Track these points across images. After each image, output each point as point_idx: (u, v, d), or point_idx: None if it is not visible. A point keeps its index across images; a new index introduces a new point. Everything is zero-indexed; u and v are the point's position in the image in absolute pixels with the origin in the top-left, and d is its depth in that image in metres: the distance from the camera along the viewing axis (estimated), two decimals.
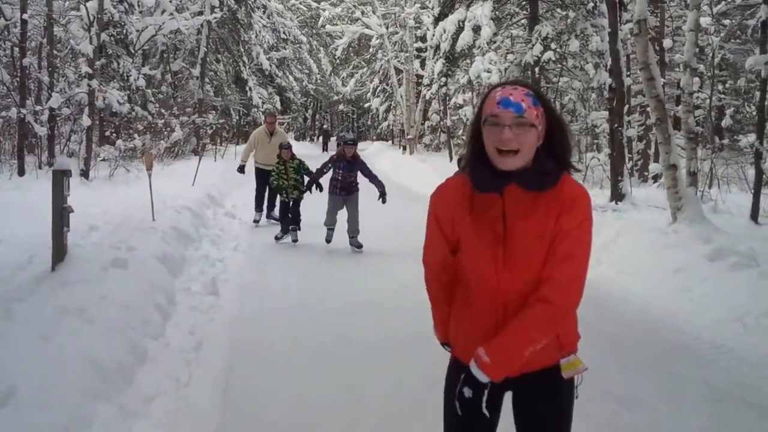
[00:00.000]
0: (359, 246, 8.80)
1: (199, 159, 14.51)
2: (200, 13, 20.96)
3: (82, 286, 5.14)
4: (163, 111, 18.42)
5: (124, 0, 16.87)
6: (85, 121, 13.75)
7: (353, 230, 8.88)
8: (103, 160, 14.52)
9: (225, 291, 6.56)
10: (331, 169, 8.81)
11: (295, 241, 9.28)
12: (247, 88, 27.32)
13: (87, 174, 13.28)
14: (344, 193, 8.80)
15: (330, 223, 8.96)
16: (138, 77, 17.59)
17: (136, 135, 16.10)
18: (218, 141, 23.84)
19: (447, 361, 2.30)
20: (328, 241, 8.96)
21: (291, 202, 9.35)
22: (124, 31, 17.16)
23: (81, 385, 3.63)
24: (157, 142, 17.08)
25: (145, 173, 9.31)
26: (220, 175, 15.06)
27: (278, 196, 9.76)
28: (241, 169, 11.76)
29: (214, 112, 22.08)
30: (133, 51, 18.29)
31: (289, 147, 9.35)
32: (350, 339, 5.24)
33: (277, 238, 9.38)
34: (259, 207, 11.21)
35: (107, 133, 16.76)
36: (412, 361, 4.64)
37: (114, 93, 15.75)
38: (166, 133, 17.69)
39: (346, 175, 8.74)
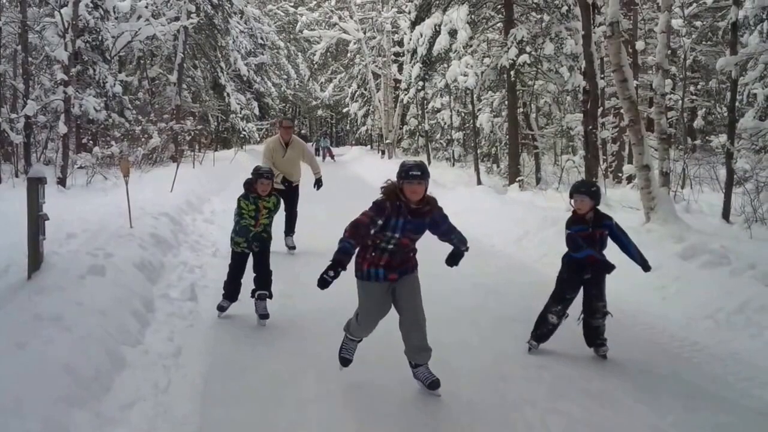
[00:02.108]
0: (435, 385, 4.35)
1: (177, 165, 14.40)
2: (177, 18, 20.85)
3: (59, 293, 5.10)
4: (140, 118, 18.31)
5: (99, 6, 16.75)
6: (62, 128, 13.65)
7: (419, 348, 4.41)
8: (80, 167, 14.41)
9: (204, 297, 6.54)
10: (378, 229, 4.22)
11: (263, 316, 5.92)
12: (225, 94, 27.23)
13: (64, 182, 13.18)
14: (396, 274, 4.36)
15: (361, 333, 4.60)
16: (114, 84, 17.46)
17: (113, 142, 15.97)
18: (196, 147, 23.72)
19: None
20: (345, 362, 4.64)
21: (255, 256, 6.14)
22: (100, 37, 17.04)
23: (57, 393, 3.62)
24: (134, 149, 16.96)
25: (123, 180, 9.23)
26: (199, 182, 14.95)
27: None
28: (285, 184, 8.99)
29: (192, 118, 21.96)
30: (109, 57, 18.15)
31: (270, 176, 6.02)
32: (330, 343, 5.23)
33: (221, 309, 6.08)
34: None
35: (84, 141, 16.62)
36: (391, 366, 4.67)
37: (90, 100, 15.64)
38: (143, 139, 17.57)
39: (408, 240, 4.33)
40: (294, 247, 9.16)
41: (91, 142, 16.51)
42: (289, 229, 9.19)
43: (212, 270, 7.76)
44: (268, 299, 6.04)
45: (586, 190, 5.03)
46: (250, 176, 6.00)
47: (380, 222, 4.12)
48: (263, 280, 6.06)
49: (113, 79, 17.58)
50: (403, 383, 4.41)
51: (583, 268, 5.05)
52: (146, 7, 18.55)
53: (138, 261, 6.78)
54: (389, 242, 4.23)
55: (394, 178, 4.22)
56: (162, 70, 23.42)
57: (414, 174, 4.11)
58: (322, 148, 36.66)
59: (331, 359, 4.67)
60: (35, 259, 5.77)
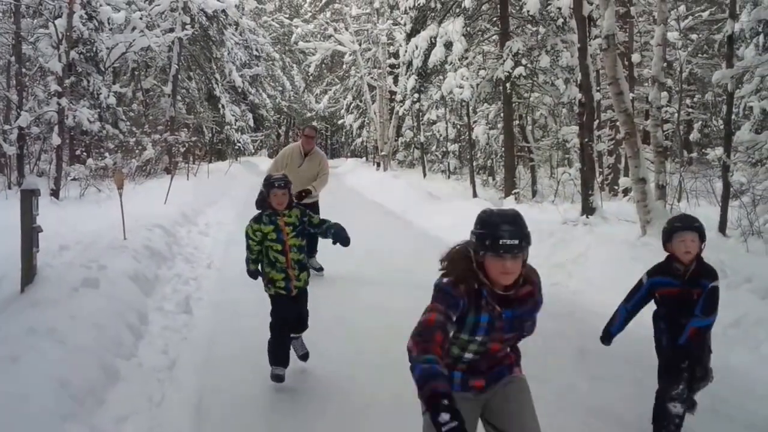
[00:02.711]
0: None
1: (171, 177, 14.38)
2: (171, 30, 20.83)
3: (52, 306, 5.07)
4: (134, 129, 18.26)
5: (93, 17, 16.72)
6: (55, 140, 13.58)
7: None
8: (74, 179, 14.33)
9: (198, 309, 6.51)
10: (458, 326, 2.56)
11: (304, 356, 5.02)
12: (220, 106, 27.18)
13: (57, 193, 13.09)
14: (490, 381, 2.70)
15: None
16: (108, 95, 17.41)
17: (107, 154, 15.90)
18: (191, 159, 23.66)
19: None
20: None
21: (295, 295, 4.82)
22: (94, 48, 16.99)
23: (50, 406, 3.59)
24: (128, 160, 16.89)
25: (116, 192, 9.19)
26: (193, 193, 14.96)
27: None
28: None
29: (186, 129, 21.90)
30: (103, 69, 18.11)
31: (285, 184, 4.75)
32: (325, 356, 5.20)
33: (278, 379, 4.60)
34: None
35: (77, 152, 16.55)
36: (386, 380, 4.63)
37: (84, 111, 15.58)
38: (137, 151, 17.51)
39: (499, 345, 2.67)
40: (321, 269, 8.30)
41: (84, 153, 16.44)
42: (311, 250, 7.96)
43: (207, 282, 7.78)
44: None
45: (691, 225, 3.70)
46: (262, 189, 4.82)
47: (455, 318, 2.47)
48: (303, 321, 4.97)
49: (107, 91, 17.53)
50: (397, 398, 4.34)
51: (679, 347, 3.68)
52: (141, 18, 18.56)
53: (132, 273, 6.75)
54: (467, 349, 2.62)
55: (468, 235, 2.57)
56: (156, 82, 23.38)
57: (506, 244, 2.43)
58: None
59: (331, 375, 4.61)
60: (28, 272, 5.74)
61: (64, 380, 3.87)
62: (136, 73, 21.91)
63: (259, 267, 4.83)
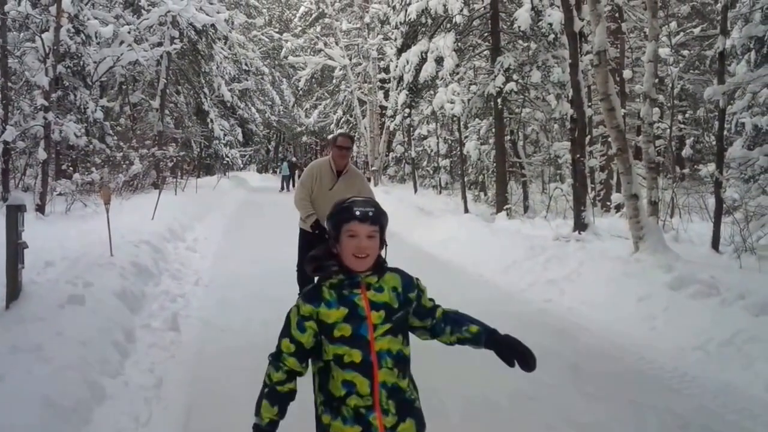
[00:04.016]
0: None
1: (159, 192, 14.24)
2: (160, 44, 20.77)
3: (38, 323, 4.98)
4: (121, 144, 18.07)
5: (81, 31, 16.57)
6: (41, 154, 13.40)
7: None
8: (60, 194, 14.14)
9: (186, 327, 6.42)
10: None
11: None
12: (209, 120, 27.10)
13: (43, 209, 12.89)
14: None
15: None
16: (96, 109, 17.23)
17: (93, 168, 15.72)
18: (179, 174, 23.49)
19: None
20: None
21: None
22: (81, 62, 16.83)
23: (36, 425, 3.54)
24: (115, 175, 16.70)
25: (103, 207, 9.07)
26: (181, 209, 14.86)
27: None
28: (316, 227, 6.18)
29: (174, 144, 21.76)
30: (90, 83, 17.95)
31: (379, 217, 2.32)
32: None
33: None
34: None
35: (64, 167, 16.35)
36: None
37: (71, 125, 15.41)
38: (124, 166, 17.34)
39: None
40: None
41: (71, 168, 16.24)
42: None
43: (195, 299, 7.68)
44: None
45: None
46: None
47: None
48: None
49: (94, 105, 17.36)
50: None
51: None
52: (129, 32, 18.46)
53: (119, 290, 6.67)
54: None
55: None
56: (144, 96, 23.25)
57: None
58: (284, 178, 32.27)
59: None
60: (13, 289, 5.64)
61: (49, 399, 3.81)
62: (124, 87, 21.77)
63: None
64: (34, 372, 4.07)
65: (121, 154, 17.50)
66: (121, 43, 18.32)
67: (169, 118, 25.18)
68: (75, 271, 6.98)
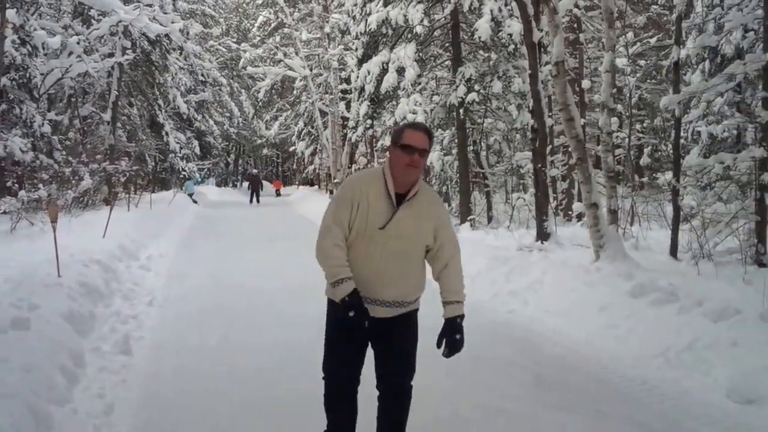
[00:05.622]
0: None
1: (111, 209, 13.77)
2: (111, 54, 20.18)
3: None
4: (70, 159, 17.42)
5: (27, 42, 15.95)
6: None
7: None
8: (4, 212, 13.50)
9: (138, 349, 6.21)
10: None
11: None
12: (164, 133, 26.46)
13: None
14: None
15: None
16: (43, 123, 16.58)
17: (40, 185, 15.05)
18: (132, 189, 22.83)
19: None
20: None
21: None
22: (28, 74, 16.20)
23: None
24: (64, 192, 16.05)
25: (50, 226, 8.76)
26: (134, 225, 14.44)
27: None
28: (352, 305, 3.32)
29: (127, 158, 21.08)
30: (37, 95, 17.29)
31: None
32: (274, 393, 5.00)
33: None
34: None
35: (9, 184, 15.64)
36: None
37: (16, 140, 14.79)
38: (74, 182, 16.68)
39: None
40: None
41: (16, 185, 15.54)
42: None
43: (148, 320, 7.48)
44: None
45: None
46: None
47: None
48: None
49: (42, 119, 16.70)
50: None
51: None
52: (78, 43, 17.83)
53: (66, 312, 6.41)
54: None
55: None
56: (95, 109, 22.56)
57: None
58: (190, 195, 29.40)
59: (282, 413, 4.48)
60: None
61: None
62: (73, 99, 21.10)
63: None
64: None
65: (70, 169, 16.83)
66: (70, 54, 17.72)
67: (122, 131, 24.54)
68: (19, 293, 6.67)
